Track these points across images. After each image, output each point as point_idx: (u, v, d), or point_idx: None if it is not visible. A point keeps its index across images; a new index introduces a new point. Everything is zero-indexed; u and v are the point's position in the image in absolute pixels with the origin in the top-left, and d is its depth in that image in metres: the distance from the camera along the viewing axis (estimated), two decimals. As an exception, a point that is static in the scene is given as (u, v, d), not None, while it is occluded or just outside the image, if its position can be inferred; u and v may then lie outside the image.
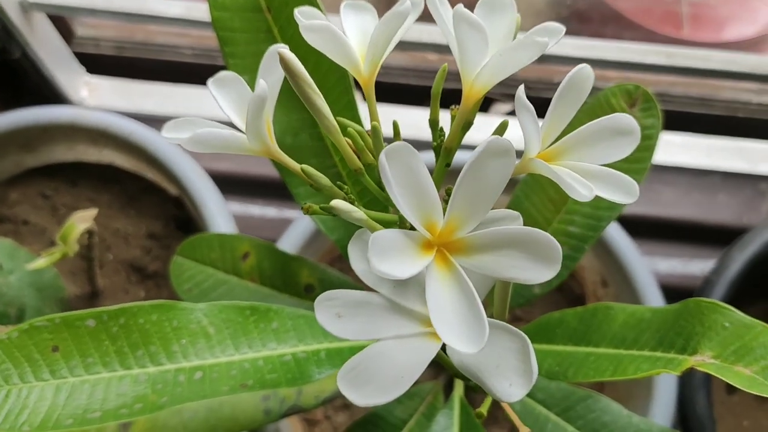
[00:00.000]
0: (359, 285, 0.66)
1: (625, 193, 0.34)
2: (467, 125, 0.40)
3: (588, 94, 0.35)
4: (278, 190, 0.96)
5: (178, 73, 0.91)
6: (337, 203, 0.33)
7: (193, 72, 0.91)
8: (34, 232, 0.80)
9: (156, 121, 0.79)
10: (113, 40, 0.91)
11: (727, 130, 0.87)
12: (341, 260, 0.81)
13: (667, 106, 0.88)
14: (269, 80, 0.36)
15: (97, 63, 0.91)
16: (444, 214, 0.33)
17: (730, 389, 0.78)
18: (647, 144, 0.55)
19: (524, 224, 0.45)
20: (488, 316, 0.31)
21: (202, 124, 0.37)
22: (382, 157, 0.30)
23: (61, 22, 0.86)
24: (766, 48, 0.96)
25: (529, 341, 0.33)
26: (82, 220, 0.63)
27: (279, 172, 0.59)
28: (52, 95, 0.84)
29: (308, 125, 0.57)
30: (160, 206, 0.81)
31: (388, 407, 0.59)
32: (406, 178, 0.31)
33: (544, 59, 0.71)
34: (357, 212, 0.34)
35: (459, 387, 0.56)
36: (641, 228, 0.82)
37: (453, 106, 0.40)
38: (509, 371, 0.33)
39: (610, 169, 0.35)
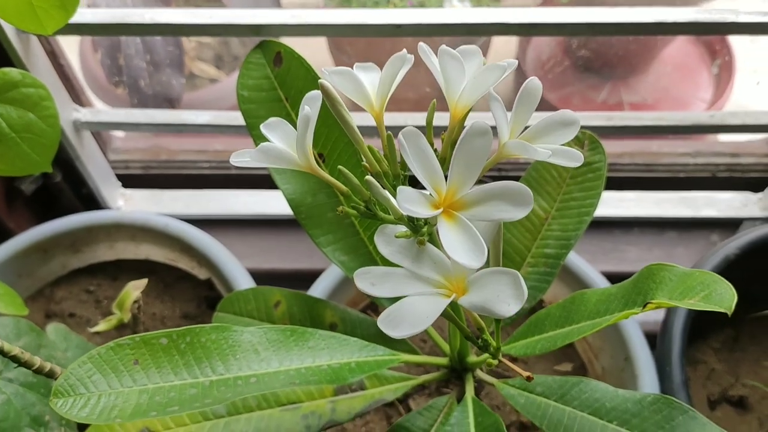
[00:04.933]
0: (376, 321, 0.77)
1: (572, 160, 0.47)
2: (454, 143, 0.54)
3: (538, 101, 0.49)
4: (288, 282, 1.08)
5: (199, 183, 1.05)
6: (369, 178, 0.46)
7: (210, 181, 1.06)
8: (80, 323, 0.90)
9: (185, 221, 0.92)
10: (141, 161, 1.06)
11: (672, 187, 1.02)
12: (362, 311, 0.91)
13: (618, 173, 1.04)
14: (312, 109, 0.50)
15: (128, 180, 1.05)
16: (446, 183, 0.45)
17: (712, 405, 0.87)
18: (597, 174, 0.69)
19: (507, 252, 0.59)
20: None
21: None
22: (400, 136, 0.43)
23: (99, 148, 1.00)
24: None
25: (518, 274, 0.45)
26: (135, 287, 0.74)
27: (304, 226, 0.71)
28: (93, 207, 0.97)
29: (324, 186, 0.71)
30: (193, 290, 0.92)
31: (410, 419, 0.68)
32: (418, 152, 0.44)
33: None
34: (382, 189, 0.47)
35: (470, 387, 0.66)
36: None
37: (442, 134, 0.54)
38: (507, 297, 0.45)
39: (563, 147, 0.48)
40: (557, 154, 0.47)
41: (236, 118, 0.86)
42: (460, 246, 0.43)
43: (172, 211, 1.00)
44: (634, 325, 0.84)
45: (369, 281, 0.49)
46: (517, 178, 0.48)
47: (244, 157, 0.51)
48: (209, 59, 1.39)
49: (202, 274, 0.92)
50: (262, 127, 0.54)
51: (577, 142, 0.70)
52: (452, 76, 0.49)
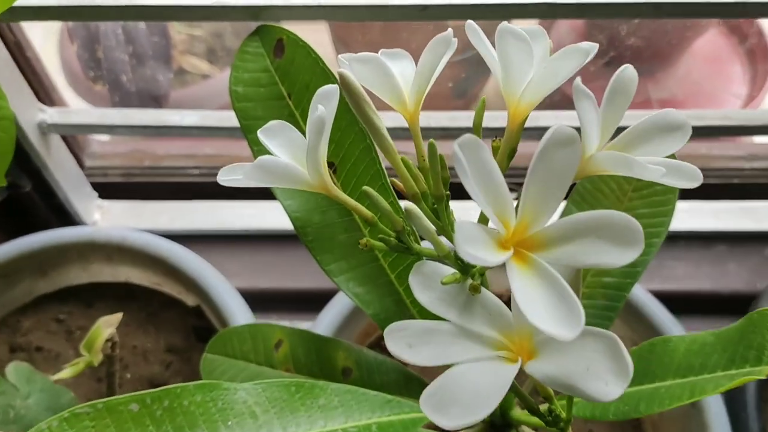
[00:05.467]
0: (398, 364, 0.65)
1: (689, 178, 0.34)
2: (512, 152, 0.41)
3: (632, 97, 0.36)
4: (288, 302, 0.96)
5: (187, 192, 0.93)
6: (411, 206, 0.33)
7: (201, 190, 0.93)
8: (48, 359, 0.77)
9: (170, 237, 0.79)
10: (121, 168, 0.93)
11: (726, 196, 0.90)
12: (377, 344, 0.79)
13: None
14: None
15: (106, 190, 0.92)
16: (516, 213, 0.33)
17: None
18: (669, 187, 0.56)
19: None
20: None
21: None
22: (456, 147, 0.31)
23: (71, 153, 0.88)
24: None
25: (617, 339, 0.32)
26: (107, 324, 0.62)
27: (310, 251, 0.58)
28: (65, 221, 0.84)
29: (335, 201, 0.58)
30: (180, 319, 0.79)
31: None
32: (479, 170, 0.31)
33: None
34: (426, 220, 0.34)
35: None
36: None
37: (495, 138, 0.42)
38: (602, 372, 0.32)
39: (669, 159, 0.35)
40: (670, 171, 0.34)
41: (229, 118, 0.73)
42: (544, 306, 0.30)
43: (155, 226, 0.87)
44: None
45: (405, 341, 0.37)
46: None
47: (235, 175, 0.38)
48: (201, 53, 1.26)
49: (190, 299, 0.79)
50: (260, 133, 0.41)
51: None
52: (516, 63, 0.36)
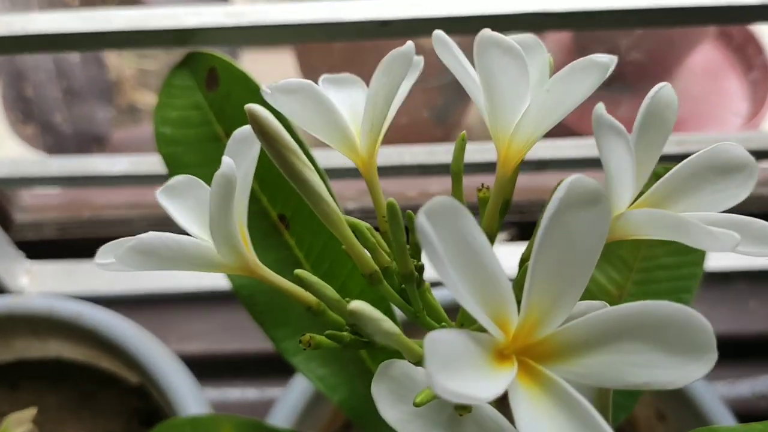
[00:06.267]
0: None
1: (763, 241, 0.24)
2: (505, 205, 0.30)
3: (672, 126, 0.26)
4: (257, 366, 0.84)
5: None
6: (360, 305, 0.22)
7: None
8: (-35, 454, 0.65)
9: (108, 303, 0.68)
10: (56, 223, 0.82)
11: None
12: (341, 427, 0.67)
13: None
14: (240, 167, 0.26)
15: (38, 249, 0.80)
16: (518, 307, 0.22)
17: None
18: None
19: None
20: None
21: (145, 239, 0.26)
22: (421, 218, 0.20)
23: (-4, 208, 0.76)
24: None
25: None
26: (17, 423, 0.50)
27: (261, 325, 0.48)
28: (-14, 289, 0.73)
29: (291, 263, 0.47)
30: (119, 400, 0.67)
31: None
32: (459, 251, 0.20)
33: (544, 166, 0.64)
34: (386, 321, 0.23)
35: None
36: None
37: (482, 185, 0.31)
38: None
39: (734, 215, 0.25)
40: (745, 236, 0.23)
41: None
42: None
43: (93, 290, 0.75)
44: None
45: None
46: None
47: (108, 258, 0.27)
48: (154, 88, 1.16)
49: (131, 376, 0.67)
50: (158, 194, 0.31)
51: (655, 178, 0.47)
52: (505, 87, 0.26)
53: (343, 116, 0.28)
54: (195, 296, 0.79)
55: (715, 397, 0.60)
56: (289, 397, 0.59)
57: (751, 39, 1.32)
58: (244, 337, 0.83)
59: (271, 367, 0.79)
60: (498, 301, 0.22)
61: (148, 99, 1.15)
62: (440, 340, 0.19)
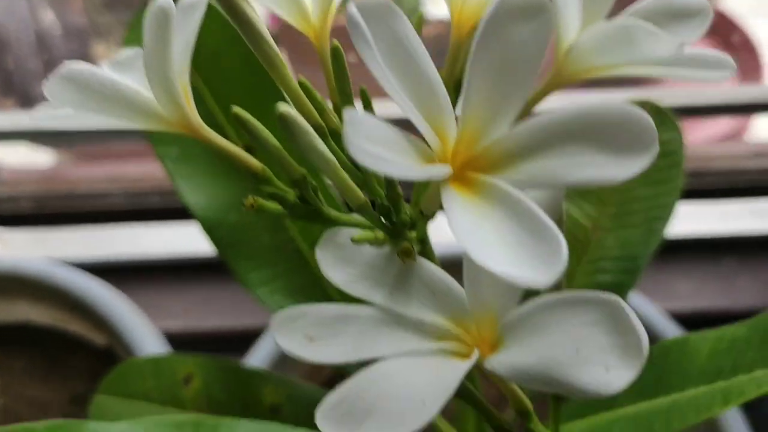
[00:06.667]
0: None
1: (715, 66, 0.23)
2: (457, 85, 0.29)
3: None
4: (233, 343, 0.82)
5: (108, 219, 0.80)
6: (290, 110, 0.21)
7: (125, 217, 0.81)
8: (-71, 418, 0.63)
9: (85, 270, 0.67)
10: (33, 196, 0.81)
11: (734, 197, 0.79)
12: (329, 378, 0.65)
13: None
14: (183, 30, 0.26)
15: (14, 220, 0.79)
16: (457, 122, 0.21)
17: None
18: (673, 159, 0.45)
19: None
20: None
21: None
22: (353, 11, 0.19)
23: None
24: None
25: (620, 302, 0.21)
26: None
27: (226, 258, 0.47)
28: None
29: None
30: (86, 362, 0.66)
31: None
32: (394, 50, 0.20)
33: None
34: (317, 138, 0.22)
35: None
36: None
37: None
38: (600, 353, 0.20)
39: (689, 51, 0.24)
40: (687, 61, 0.22)
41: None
42: (503, 241, 0.18)
43: (65, 257, 0.74)
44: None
45: (302, 333, 0.25)
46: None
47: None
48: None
49: (100, 339, 0.66)
50: (104, 66, 0.30)
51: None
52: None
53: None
54: (171, 265, 0.78)
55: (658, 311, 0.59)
56: (268, 342, 0.57)
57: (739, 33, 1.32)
58: (216, 312, 0.81)
59: (245, 345, 0.78)
60: (435, 109, 0.21)
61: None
62: (365, 117, 0.18)
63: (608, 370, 0.20)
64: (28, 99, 0.85)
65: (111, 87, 0.25)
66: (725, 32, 1.27)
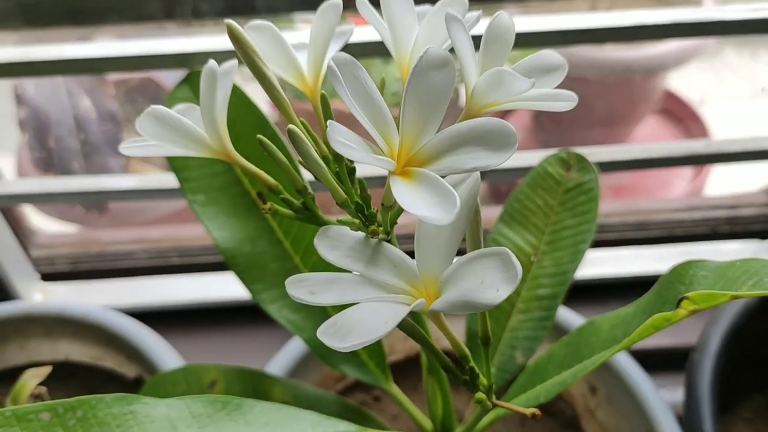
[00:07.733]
0: (339, 398, 0.62)
1: (564, 99, 0.36)
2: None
3: (512, 43, 0.38)
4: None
5: (134, 274, 0.92)
6: (296, 129, 0.34)
7: (147, 273, 0.92)
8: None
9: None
10: (68, 257, 0.93)
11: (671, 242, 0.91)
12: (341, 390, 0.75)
13: (608, 234, 0.92)
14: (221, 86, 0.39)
15: (53, 277, 0.91)
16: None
17: None
18: (590, 195, 0.58)
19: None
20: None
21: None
22: (332, 64, 0.32)
23: (16, 238, 0.88)
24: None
25: (508, 252, 0.33)
26: (34, 376, 0.59)
27: (243, 281, 0.58)
28: (3, 299, 0.83)
29: (266, 232, 0.58)
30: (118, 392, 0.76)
31: None
32: (357, 89, 0.32)
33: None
34: (314, 153, 0.35)
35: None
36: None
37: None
38: (494, 281, 0.32)
39: (546, 89, 0.37)
40: (543, 95, 0.35)
41: (169, 179, 0.74)
42: (423, 199, 0.31)
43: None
44: (655, 394, 0.69)
45: (307, 290, 0.36)
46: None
47: (135, 144, 0.39)
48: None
49: (131, 371, 0.76)
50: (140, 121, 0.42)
51: (563, 164, 0.59)
52: (400, 20, 0.38)
53: (294, 52, 0.40)
54: (187, 310, 0.89)
55: (636, 365, 0.69)
56: (284, 356, 0.68)
57: (691, 113, 1.48)
58: (236, 355, 0.91)
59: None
60: (383, 125, 0.33)
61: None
62: (342, 128, 0.31)
63: (498, 291, 0.31)
64: (66, 173, 0.98)
65: (180, 123, 0.37)
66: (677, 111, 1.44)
